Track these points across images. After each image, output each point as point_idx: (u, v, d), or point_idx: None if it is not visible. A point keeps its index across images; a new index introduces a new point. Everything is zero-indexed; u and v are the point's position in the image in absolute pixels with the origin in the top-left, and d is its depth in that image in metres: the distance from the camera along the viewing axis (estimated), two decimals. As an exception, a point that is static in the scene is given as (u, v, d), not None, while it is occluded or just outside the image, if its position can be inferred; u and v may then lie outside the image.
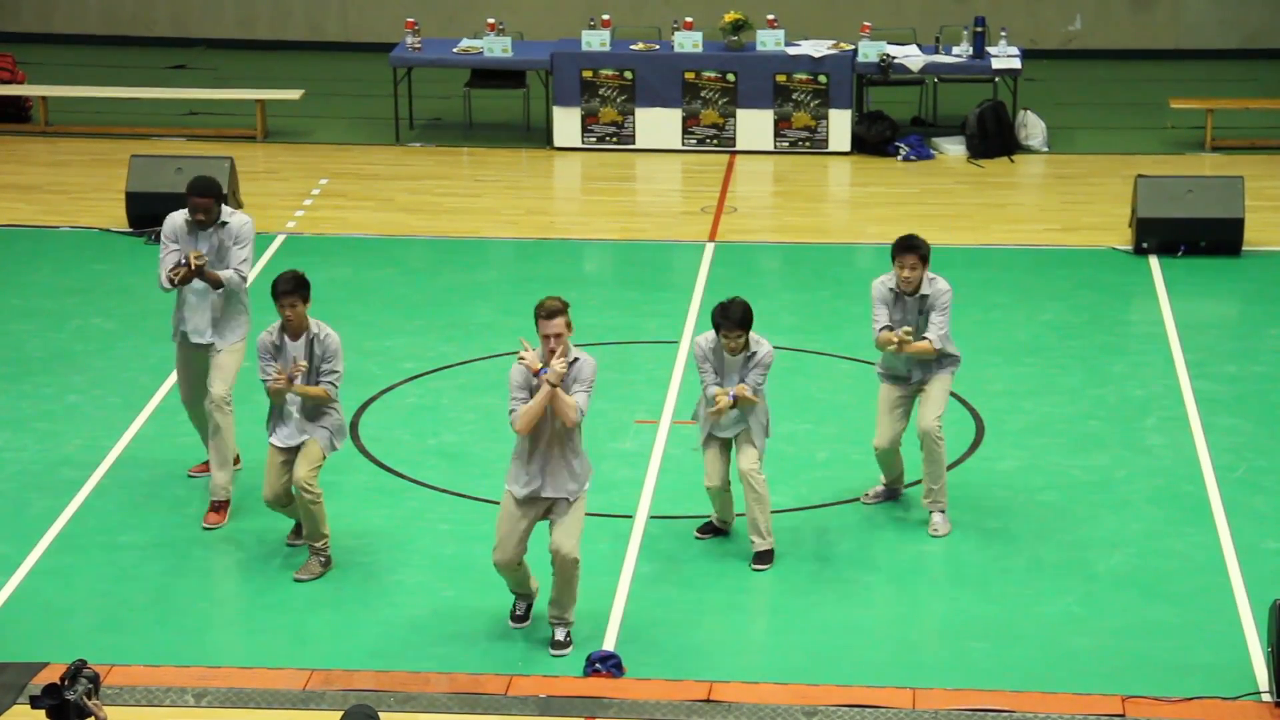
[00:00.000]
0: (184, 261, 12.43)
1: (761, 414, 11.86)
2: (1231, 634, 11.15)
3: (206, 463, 12.82)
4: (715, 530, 12.32)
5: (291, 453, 11.78)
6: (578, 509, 10.92)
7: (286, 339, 11.72)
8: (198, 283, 12.52)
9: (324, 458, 11.79)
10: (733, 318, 11.61)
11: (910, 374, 12.39)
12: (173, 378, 14.57)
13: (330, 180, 19.17)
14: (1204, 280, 16.54)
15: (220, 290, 12.51)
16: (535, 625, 11.28)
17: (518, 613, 11.35)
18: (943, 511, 12.37)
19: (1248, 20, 23.15)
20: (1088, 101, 21.58)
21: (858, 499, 12.75)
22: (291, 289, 11.62)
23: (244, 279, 12.54)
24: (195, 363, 12.73)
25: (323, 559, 11.85)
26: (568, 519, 10.88)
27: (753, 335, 11.75)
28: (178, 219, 12.59)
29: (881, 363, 12.49)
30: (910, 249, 12.23)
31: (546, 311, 10.80)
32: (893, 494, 12.77)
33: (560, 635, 11.06)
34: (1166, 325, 15.52)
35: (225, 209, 12.61)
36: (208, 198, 12.44)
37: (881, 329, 12.29)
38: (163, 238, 12.65)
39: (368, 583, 11.78)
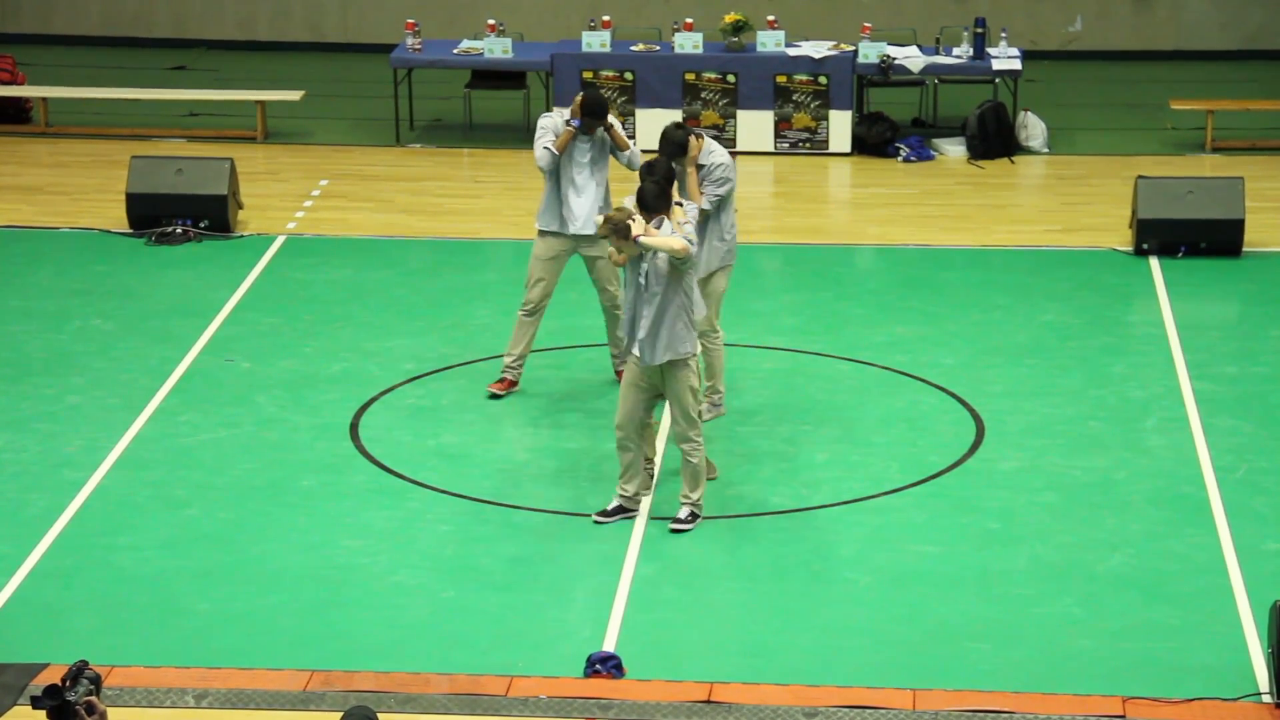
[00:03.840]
0: (571, 122, 13.66)
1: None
2: (1232, 635, 11.15)
3: (501, 381, 14.17)
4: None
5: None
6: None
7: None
8: (585, 174, 13.79)
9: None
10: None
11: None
12: (173, 379, 14.60)
13: (330, 181, 19.17)
14: (1204, 281, 16.54)
15: (603, 189, 13.86)
16: (527, 626, 11.30)
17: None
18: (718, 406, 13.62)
19: (1248, 21, 23.15)
20: (1088, 102, 21.58)
21: (859, 500, 12.76)
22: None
23: (640, 161, 13.29)
24: (564, 257, 14.03)
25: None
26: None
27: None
28: (557, 118, 13.88)
29: None
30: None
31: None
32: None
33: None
34: (1167, 326, 15.52)
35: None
36: (599, 118, 13.73)
37: None
38: (541, 128, 13.83)
39: (368, 583, 11.78)
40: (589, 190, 13.86)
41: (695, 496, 12.32)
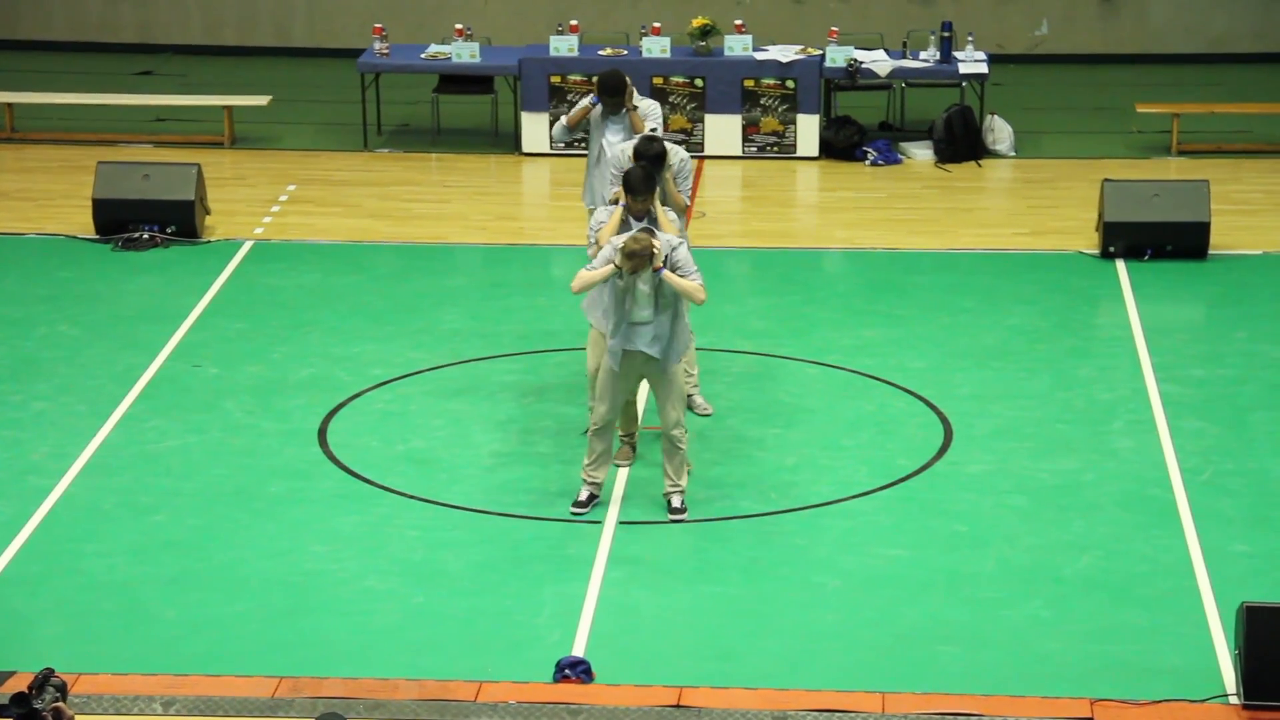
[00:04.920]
0: (592, 99, 13.98)
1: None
2: (1199, 637, 11.18)
3: None
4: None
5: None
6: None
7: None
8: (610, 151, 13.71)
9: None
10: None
11: None
12: (140, 385, 14.56)
13: (298, 186, 19.14)
14: (1170, 284, 16.60)
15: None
16: (495, 631, 11.29)
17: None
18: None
19: (1213, 25, 23.23)
20: (1054, 106, 21.64)
21: (827, 503, 12.77)
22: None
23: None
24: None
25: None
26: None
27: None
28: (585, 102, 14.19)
29: None
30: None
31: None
32: None
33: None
34: (1133, 329, 15.57)
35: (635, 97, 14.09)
36: (618, 95, 13.94)
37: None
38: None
39: (336, 589, 11.76)
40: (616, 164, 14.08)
41: (684, 484, 12.53)
